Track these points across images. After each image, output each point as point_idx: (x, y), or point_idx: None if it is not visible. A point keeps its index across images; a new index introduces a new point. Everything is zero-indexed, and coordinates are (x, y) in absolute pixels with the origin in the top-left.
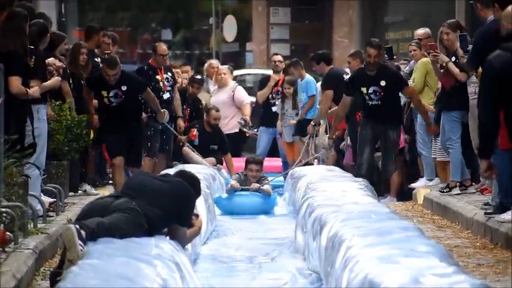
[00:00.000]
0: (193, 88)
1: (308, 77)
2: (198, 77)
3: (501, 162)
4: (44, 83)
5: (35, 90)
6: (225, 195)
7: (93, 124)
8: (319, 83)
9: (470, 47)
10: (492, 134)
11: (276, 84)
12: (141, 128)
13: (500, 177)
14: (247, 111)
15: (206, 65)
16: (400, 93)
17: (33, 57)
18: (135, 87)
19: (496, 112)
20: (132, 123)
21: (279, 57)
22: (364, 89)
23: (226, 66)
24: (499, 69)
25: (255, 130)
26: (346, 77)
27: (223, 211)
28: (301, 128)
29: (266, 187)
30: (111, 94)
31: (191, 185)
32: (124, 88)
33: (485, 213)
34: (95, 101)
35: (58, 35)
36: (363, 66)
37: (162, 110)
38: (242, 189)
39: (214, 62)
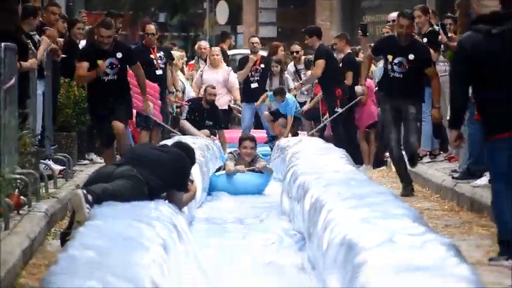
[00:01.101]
0: None
1: (288, 96)
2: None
3: (475, 132)
4: (40, 48)
5: (32, 62)
6: (219, 173)
7: (101, 69)
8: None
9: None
10: (462, 107)
11: (254, 64)
12: (129, 104)
13: (472, 147)
14: (237, 94)
15: (196, 46)
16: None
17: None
18: (129, 56)
19: (466, 88)
20: (121, 102)
21: (256, 39)
22: (390, 57)
23: (218, 48)
24: (469, 49)
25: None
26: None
27: (216, 189)
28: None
29: (264, 164)
30: (106, 63)
31: (187, 155)
32: (119, 55)
33: (453, 178)
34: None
35: (73, 20)
36: (392, 34)
37: (149, 103)
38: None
39: (203, 43)
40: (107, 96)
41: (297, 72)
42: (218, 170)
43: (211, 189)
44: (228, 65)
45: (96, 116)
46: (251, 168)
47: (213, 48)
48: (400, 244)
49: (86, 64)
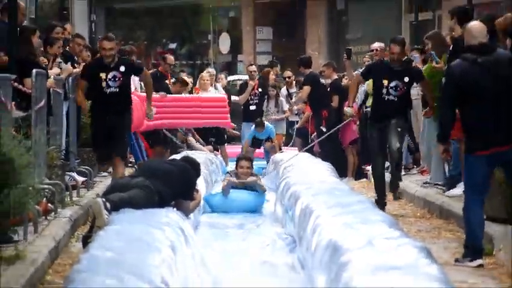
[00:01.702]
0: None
1: (266, 124)
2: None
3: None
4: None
5: (50, 81)
6: (215, 191)
7: (83, 108)
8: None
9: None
10: (449, 126)
11: (252, 89)
12: (128, 119)
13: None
14: None
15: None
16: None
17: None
18: (133, 68)
19: (454, 109)
20: (122, 115)
21: (254, 68)
22: (385, 82)
23: (222, 73)
24: (458, 75)
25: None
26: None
27: (215, 209)
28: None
29: (255, 180)
30: (109, 76)
31: (193, 168)
32: (122, 69)
33: (436, 189)
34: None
35: (95, 49)
36: (382, 59)
37: (152, 108)
38: (234, 187)
39: (211, 70)
40: (107, 107)
41: (289, 95)
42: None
43: (208, 208)
44: (228, 89)
45: (94, 129)
46: (242, 181)
47: (202, 73)
48: (378, 247)
49: (84, 83)
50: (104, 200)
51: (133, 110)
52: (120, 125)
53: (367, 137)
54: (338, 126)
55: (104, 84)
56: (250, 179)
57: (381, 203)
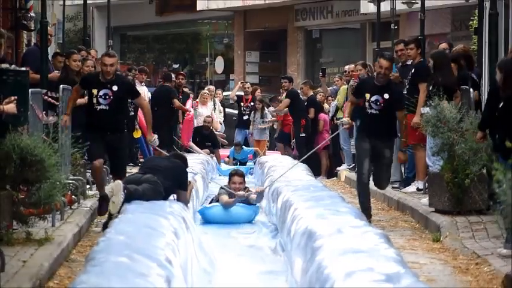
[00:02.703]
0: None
1: (244, 148)
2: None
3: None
4: None
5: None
6: (211, 205)
7: (62, 122)
8: None
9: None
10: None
11: (246, 101)
12: (124, 140)
13: (409, 162)
14: (217, 126)
15: (202, 92)
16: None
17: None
18: (127, 90)
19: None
20: (116, 133)
21: (248, 85)
22: (367, 95)
23: (219, 90)
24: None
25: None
26: (301, 96)
27: (208, 221)
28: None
29: (243, 194)
30: (100, 93)
31: (183, 162)
32: (115, 88)
33: (393, 187)
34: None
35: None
36: (369, 75)
37: (153, 135)
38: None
39: (211, 87)
40: (99, 124)
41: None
42: (211, 202)
43: (204, 220)
44: (223, 103)
45: (89, 143)
46: (238, 194)
47: (203, 91)
48: (346, 234)
49: (78, 89)
50: (124, 185)
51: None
52: (115, 147)
53: (356, 146)
54: (333, 135)
55: (94, 100)
56: (244, 192)
57: (366, 212)
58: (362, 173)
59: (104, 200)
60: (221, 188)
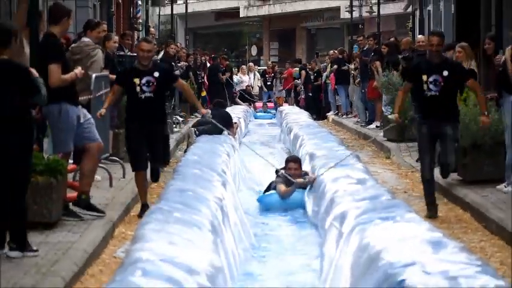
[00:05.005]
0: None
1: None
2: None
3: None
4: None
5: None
6: (269, 193)
7: (97, 115)
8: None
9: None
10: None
11: (268, 73)
12: (166, 130)
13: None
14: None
15: (246, 66)
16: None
17: None
18: (168, 75)
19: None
20: (159, 123)
21: (270, 63)
22: (424, 77)
23: (255, 66)
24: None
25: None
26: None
27: (269, 208)
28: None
29: (302, 181)
30: (143, 81)
31: (222, 106)
32: (156, 74)
33: (361, 125)
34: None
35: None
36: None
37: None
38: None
39: (251, 64)
40: (143, 113)
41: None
42: (268, 189)
43: (263, 207)
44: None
45: (130, 137)
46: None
47: (243, 66)
48: (331, 155)
49: (117, 87)
50: (194, 129)
51: None
52: (158, 137)
53: (417, 134)
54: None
55: (138, 89)
56: (296, 182)
57: (431, 210)
58: (425, 165)
59: (144, 207)
60: (277, 176)
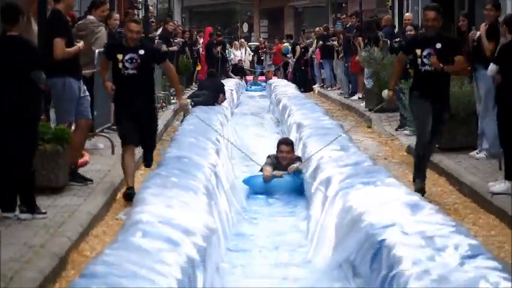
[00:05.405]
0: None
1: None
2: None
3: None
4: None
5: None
6: (257, 174)
7: (108, 91)
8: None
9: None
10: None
11: (260, 49)
12: (155, 113)
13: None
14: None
15: (238, 42)
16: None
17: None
18: (154, 54)
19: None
20: (145, 102)
21: (262, 40)
22: (418, 51)
23: (245, 42)
24: None
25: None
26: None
27: (256, 190)
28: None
29: (296, 167)
30: (126, 57)
31: (214, 76)
32: (141, 52)
33: (344, 97)
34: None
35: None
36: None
37: (187, 100)
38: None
39: (242, 40)
40: (127, 91)
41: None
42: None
43: (251, 190)
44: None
45: (119, 112)
46: (285, 172)
47: (235, 41)
48: (317, 125)
49: (105, 60)
50: (190, 100)
51: None
52: (146, 115)
53: (413, 109)
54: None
55: (120, 65)
56: (289, 168)
57: (420, 184)
58: (422, 135)
59: (131, 191)
60: (268, 157)
